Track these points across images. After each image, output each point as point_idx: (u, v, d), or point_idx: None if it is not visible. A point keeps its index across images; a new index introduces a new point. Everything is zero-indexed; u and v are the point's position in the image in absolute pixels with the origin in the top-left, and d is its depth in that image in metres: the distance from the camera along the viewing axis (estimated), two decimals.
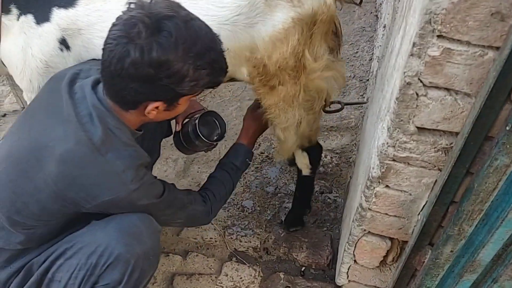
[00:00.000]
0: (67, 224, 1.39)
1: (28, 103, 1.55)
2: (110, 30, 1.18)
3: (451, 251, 1.22)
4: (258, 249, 2.11)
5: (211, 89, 1.32)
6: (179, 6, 1.22)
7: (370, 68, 2.91)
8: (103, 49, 1.19)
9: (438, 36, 0.90)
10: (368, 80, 2.85)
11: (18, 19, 1.40)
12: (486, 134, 0.99)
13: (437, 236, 1.29)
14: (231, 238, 2.15)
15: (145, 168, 1.36)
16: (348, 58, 3.12)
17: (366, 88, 2.81)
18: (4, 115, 2.91)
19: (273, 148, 2.54)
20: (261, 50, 1.42)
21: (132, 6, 1.18)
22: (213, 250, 2.11)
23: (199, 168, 2.51)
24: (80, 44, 1.43)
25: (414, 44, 0.93)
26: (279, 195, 2.35)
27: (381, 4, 3.12)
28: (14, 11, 1.40)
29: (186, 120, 1.75)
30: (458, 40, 0.89)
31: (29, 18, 1.40)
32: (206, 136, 1.63)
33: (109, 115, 1.27)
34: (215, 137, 1.69)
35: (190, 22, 1.19)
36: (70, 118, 1.25)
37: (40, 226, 1.35)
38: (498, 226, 1.08)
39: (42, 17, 1.39)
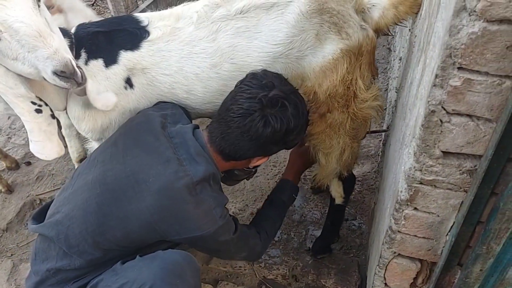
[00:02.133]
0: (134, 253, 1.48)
1: (92, 140, 1.71)
2: (241, 102, 1.42)
3: (481, 270, 1.26)
4: (287, 277, 2.15)
5: None
6: (284, 77, 1.51)
7: (387, 98, 3.01)
8: (235, 116, 1.42)
9: (459, 68, 0.99)
10: (385, 109, 2.94)
11: (86, 64, 1.53)
12: (508, 156, 1.06)
13: (465, 256, 1.34)
14: (260, 266, 2.20)
15: (225, 207, 1.53)
16: None
17: (384, 118, 2.89)
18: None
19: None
20: (312, 79, 1.55)
21: (257, 82, 1.44)
22: (242, 279, 2.16)
23: None
24: (144, 82, 1.57)
25: (436, 76, 1.02)
26: (304, 223, 2.41)
27: (393, 37, 3.24)
28: (83, 55, 1.53)
29: None
30: (477, 71, 0.98)
31: (100, 62, 1.53)
32: None
33: (211, 162, 1.47)
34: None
35: (298, 93, 1.49)
36: (171, 159, 1.42)
37: (116, 250, 1.46)
38: None
39: (110, 60, 1.53)
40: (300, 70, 1.55)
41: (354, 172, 2.60)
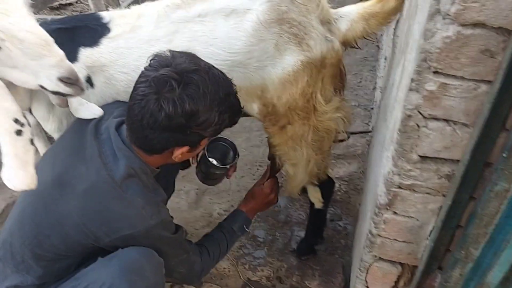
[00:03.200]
0: (84, 260, 1.43)
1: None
2: (137, 87, 1.28)
3: (460, 275, 1.26)
4: (271, 278, 2.14)
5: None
6: (197, 57, 1.33)
7: (374, 97, 3.00)
8: (132, 104, 1.29)
9: (434, 72, 0.97)
10: (372, 108, 2.93)
11: None
12: (485, 161, 1.05)
13: (445, 260, 1.33)
14: (244, 267, 2.18)
15: (162, 204, 1.45)
16: (352, 88, 3.21)
17: (371, 116, 2.88)
18: None
19: (282, 177, 2.59)
20: (271, 90, 1.50)
21: (155, 63, 1.29)
22: (226, 280, 2.14)
23: (210, 199, 2.57)
24: (103, 80, 1.51)
25: (412, 80, 1.01)
26: (289, 223, 2.39)
27: (381, 35, 3.23)
28: None
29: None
30: (453, 75, 0.96)
31: None
32: (220, 162, 1.69)
33: (132, 156, 1.37)
34: (230, 160, 1.74)
35: (210, 72, 1.30)
36: (94, 158, 1.35)
37: (59, 259, 1.41)
38: (503, 249, 1.12)
39: (71, 58, 1.46)
40: (260, 81, 1.49)
41: (341, 171, 2.60)
